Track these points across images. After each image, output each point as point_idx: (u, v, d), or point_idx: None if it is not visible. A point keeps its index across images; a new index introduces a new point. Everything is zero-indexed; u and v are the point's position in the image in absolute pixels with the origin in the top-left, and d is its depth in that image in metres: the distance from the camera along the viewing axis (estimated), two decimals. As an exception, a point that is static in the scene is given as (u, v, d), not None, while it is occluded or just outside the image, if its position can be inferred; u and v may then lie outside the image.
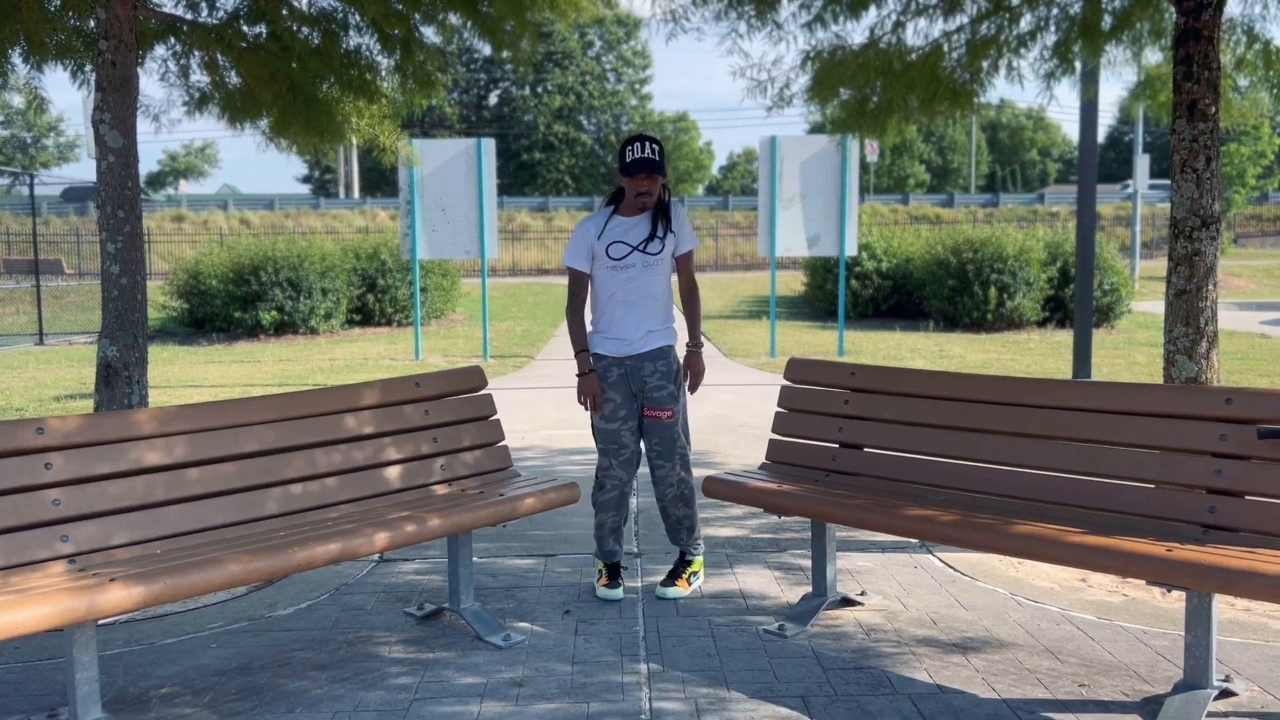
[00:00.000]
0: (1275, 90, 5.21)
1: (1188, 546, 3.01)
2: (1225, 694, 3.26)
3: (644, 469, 6.58)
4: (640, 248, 4.15)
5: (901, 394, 4.03)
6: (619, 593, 4.26)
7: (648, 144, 4.12)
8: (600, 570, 4.36)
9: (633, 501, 4.33)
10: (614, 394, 4.19)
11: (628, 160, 4.11)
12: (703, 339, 4.34)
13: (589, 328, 4.28)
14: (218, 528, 3.45)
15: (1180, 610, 4.02)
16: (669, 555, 4.83)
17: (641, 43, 64.92)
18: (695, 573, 4.39)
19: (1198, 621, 3.14)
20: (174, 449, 3.43)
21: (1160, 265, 31.91)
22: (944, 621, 3.97)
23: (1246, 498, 3.16)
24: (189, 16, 5.07)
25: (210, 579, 2.98)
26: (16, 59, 5.07)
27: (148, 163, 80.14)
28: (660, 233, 4.17)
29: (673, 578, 4.32)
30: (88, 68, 5.22)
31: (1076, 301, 6.05)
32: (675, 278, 4.36)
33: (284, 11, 5.01)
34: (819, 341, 15.21)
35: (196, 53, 5.22)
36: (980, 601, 4.20)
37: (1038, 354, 13.36)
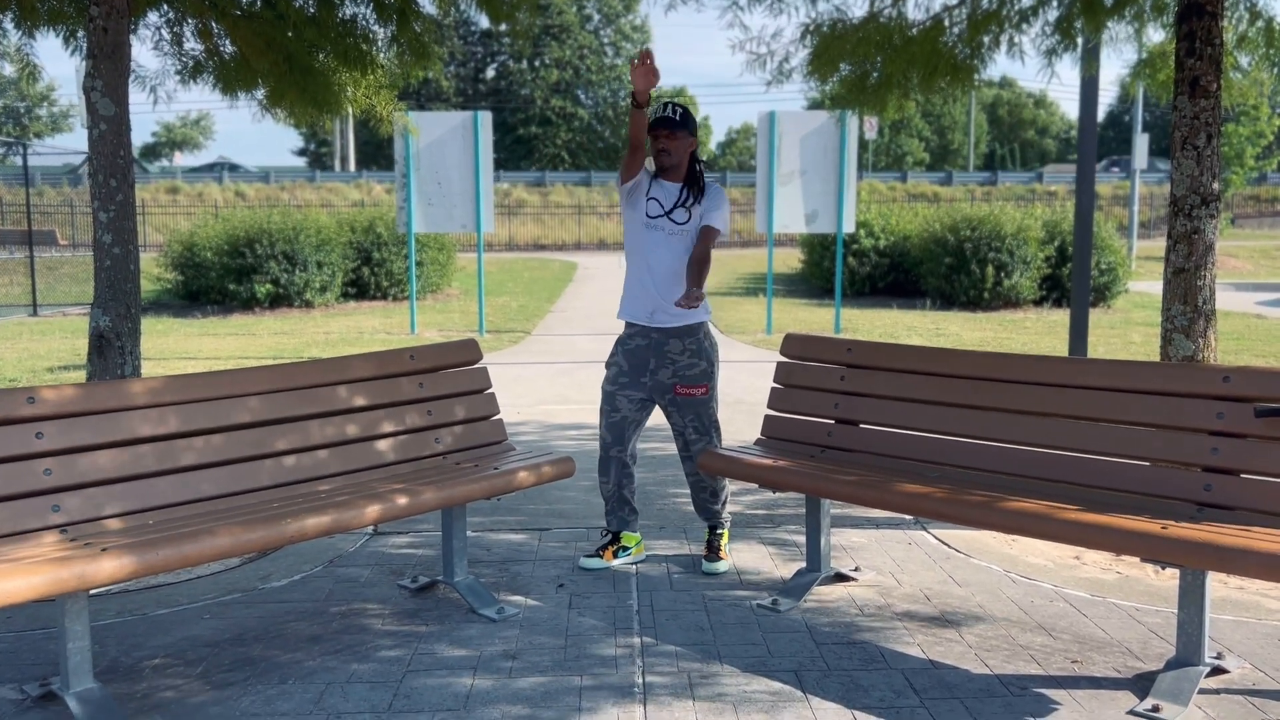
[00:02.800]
0: (1277, 68, 5.17)
1: (1183, 524, 3.01)
2: (1217, 671, 3.27)
3: (645, 446, 6.57)
4: (669, 213, 4.17)
5: (898, 370, 4.02)
6: (595, 562, 4.32)
7: (671, 105, 4.20)
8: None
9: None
10: (623, 361, 4.24)
11: (651, 120, 4.14)
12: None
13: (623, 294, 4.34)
14: (210, 499, 3.44)
15: (1173, 588, 4.03)
16: (663, 530, 4.84)
17: (641, 17, 64.50)
18: (726, 544, 4.45)
19: (1191, 599, 3.14)
20: (166, 419, 3.42)
21: (1157, 245, 31.90)
22: (938, 597, 3.98)
23: (1243, 476, 3.16)
24: (182, -18, 5.01)
25: (202, 550, 2.97)
26: (8, 25, 5.01)
27: (142, 135, 79.65)
28: (688, 202, 4.18)
29: (714, 552, 4.35)
30: (80, 34, 5.16)
31: (1073, 280, 6.03)
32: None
33: (278, -22, 4.94)
34: (816, 319, 15.19)
35: (190, 20, 5.16)
36: (974, 578, 4.20)
37: (1034, 332, 13.36)
